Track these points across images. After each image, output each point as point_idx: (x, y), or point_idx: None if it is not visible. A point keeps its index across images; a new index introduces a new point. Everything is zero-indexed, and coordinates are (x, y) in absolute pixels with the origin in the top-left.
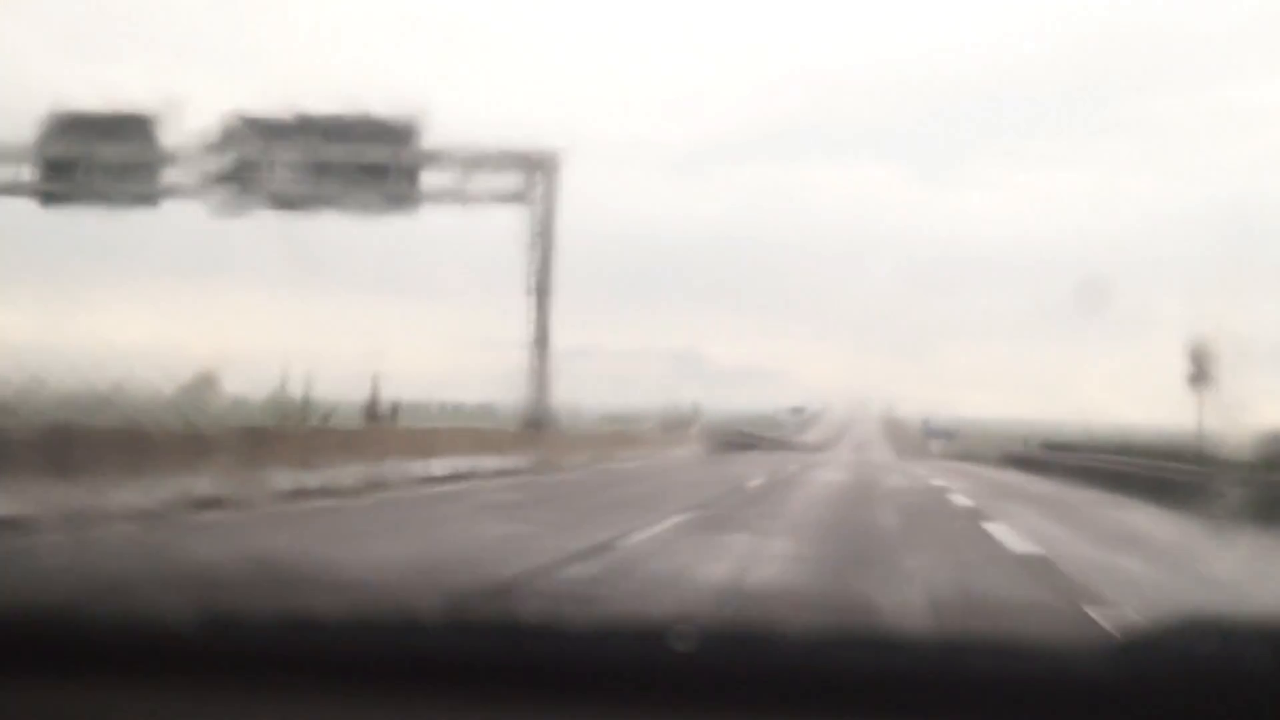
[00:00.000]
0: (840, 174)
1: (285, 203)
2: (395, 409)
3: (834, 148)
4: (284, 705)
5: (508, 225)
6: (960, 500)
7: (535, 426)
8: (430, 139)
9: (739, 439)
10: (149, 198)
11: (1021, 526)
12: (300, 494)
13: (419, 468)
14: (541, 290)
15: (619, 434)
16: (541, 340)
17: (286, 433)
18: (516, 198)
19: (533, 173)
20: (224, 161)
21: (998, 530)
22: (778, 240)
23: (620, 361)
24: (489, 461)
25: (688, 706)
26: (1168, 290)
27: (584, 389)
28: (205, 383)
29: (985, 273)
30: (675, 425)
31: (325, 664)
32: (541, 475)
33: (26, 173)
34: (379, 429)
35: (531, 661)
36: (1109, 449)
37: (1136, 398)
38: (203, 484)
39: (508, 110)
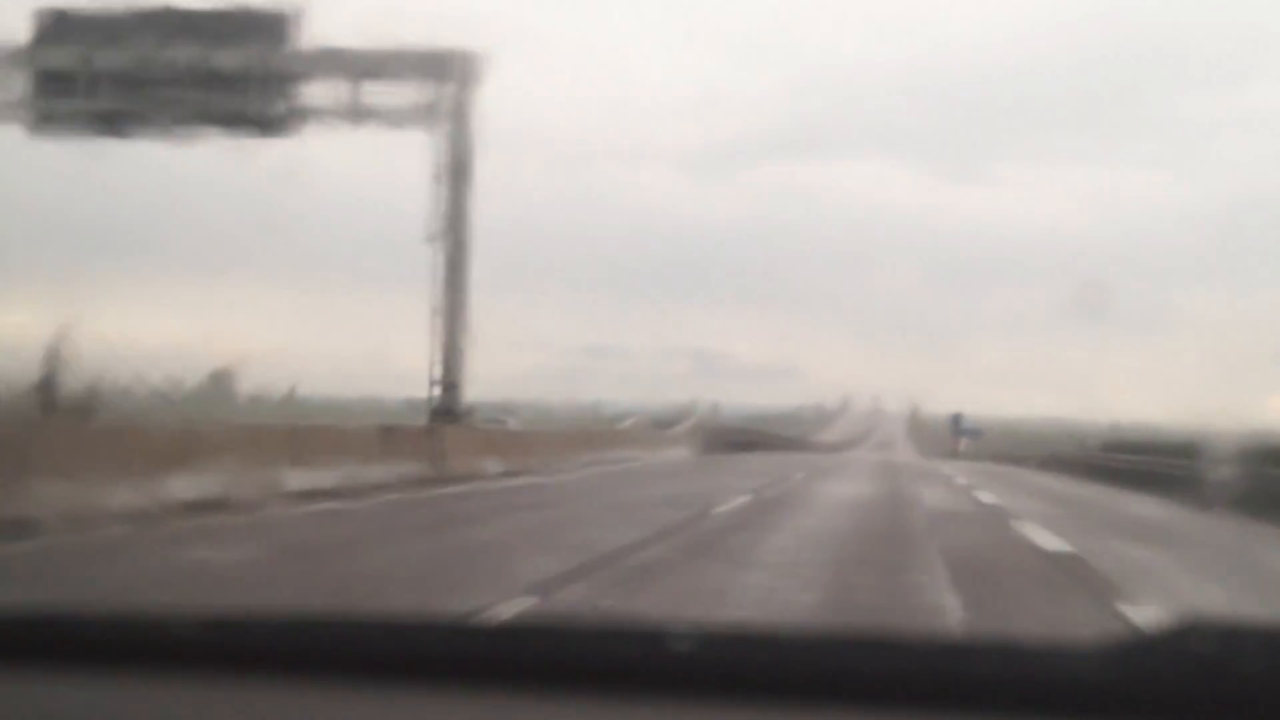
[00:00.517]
0: (862, 172)
1: (114, 123)
2: (91, 395)
3: (855, 146)
4: (284, 704)
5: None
6: (1040, 536)
7: (444, 421)
8: (313, 38)
9: (740, 438)
10: None
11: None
12: None
13: (117, 493)
14: (454, 240)
15: (585, 433)
16: (453, 307)
17: None
18: (423, 115)
19: (444, 81)
20: (34, 71)
21: None
22: (799, 238)
23: (641, 360)
24: (321, 476)
25: (686, 707)
26: (1194, 289)
27: (603, 387)
28: None
29: (1007, 271)
30: (665, 422)
31: (325, 663)
32: (411, 493)
33: None
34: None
35: (530, 661)
36: (1192, 453)
37: (1162, 395)
38: None
39: (525, 108)
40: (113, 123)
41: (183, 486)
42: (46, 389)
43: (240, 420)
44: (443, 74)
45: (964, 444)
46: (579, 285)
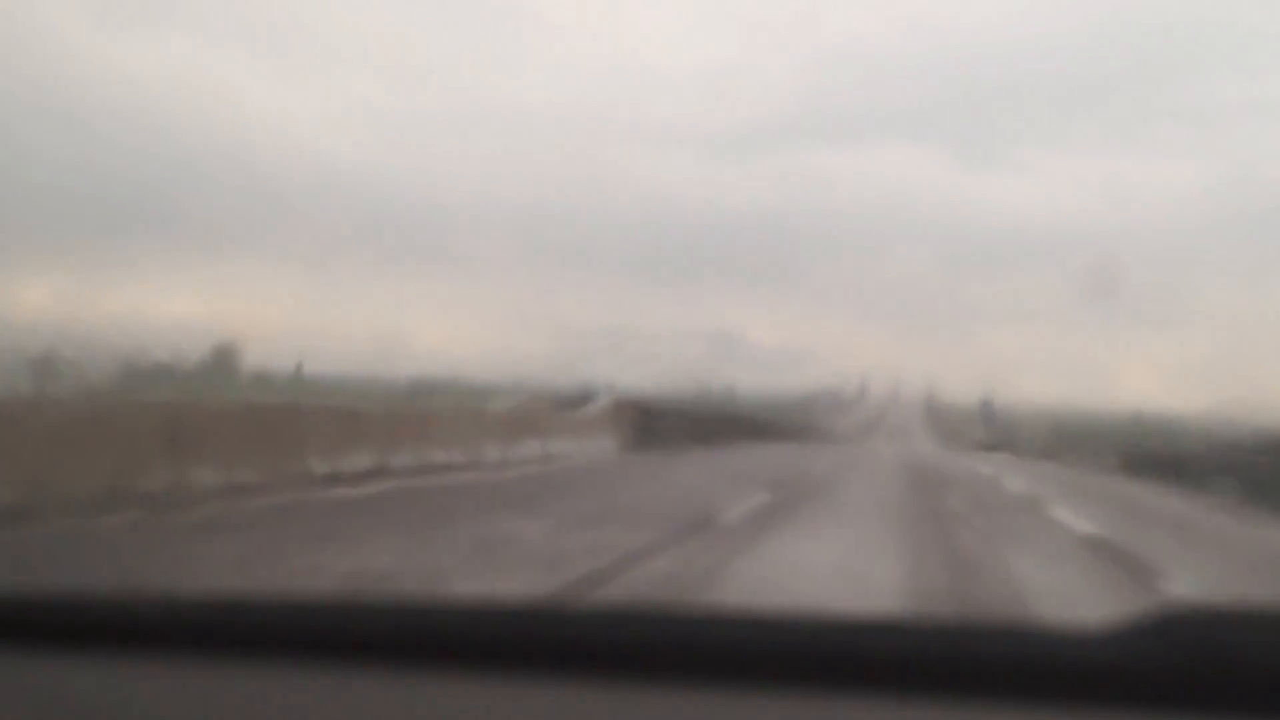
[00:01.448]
0: (881, 157)
1: None
2: None
3: (874, 131)
4: (284, 682)
5: None
6: None
7: None
8: None
9: (704, 425)
10: None
11: None
12: None
13: None
14: None
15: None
16: None
17: None
18: None
19: None
20: None
21: None
22: (818, 223)
23: (658, 343)
24: None
25: (685, 686)
26: (1214, 276)
27: (617, 368)
28: None
29: (1027, 257)
30: (577, 401)
31: (324, 643)
32: None
33: None
34: None
35: (534, 641)
36: None
37: (1180, 384)
38: None
39: (543, 88)
40: None
41: None
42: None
43: None
44: None
45: (981, 434)
46: (597, 267)
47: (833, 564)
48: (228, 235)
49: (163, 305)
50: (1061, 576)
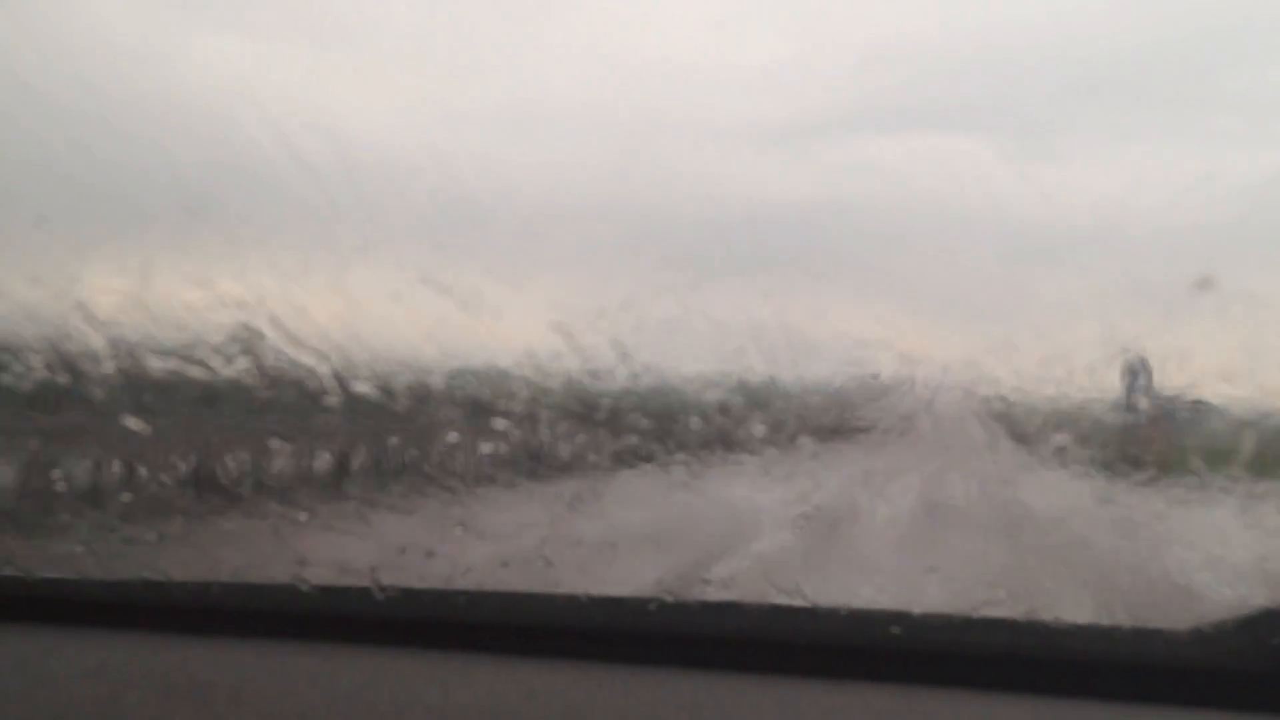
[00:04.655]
0: (935, 148)
1: None
2: None
3: (929, 121)
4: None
5: None
6: None
7: None
8: None
9: None
10: None
11: None
12: None
13: None
14: None
15: None
16: None
17: None
18: None
19: None
20: None
21: None
22: (869, 214)
23: (710, 334)
24: None
25: (659, 664)
26: (1272, 268)
27: (671, 358)
28: None
29: (1085, 248)
30: None
31: (314, 624)
32: None
33: None
34: None
35: (526, 624)
36: None
37: (1244, 378)
38: None
39: (600, 85)
40: None
41: None
42: None
43: None
44: None
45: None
46: (657, 260)
47: None
48: (281, 230)
49: (209, 296)
50: None
